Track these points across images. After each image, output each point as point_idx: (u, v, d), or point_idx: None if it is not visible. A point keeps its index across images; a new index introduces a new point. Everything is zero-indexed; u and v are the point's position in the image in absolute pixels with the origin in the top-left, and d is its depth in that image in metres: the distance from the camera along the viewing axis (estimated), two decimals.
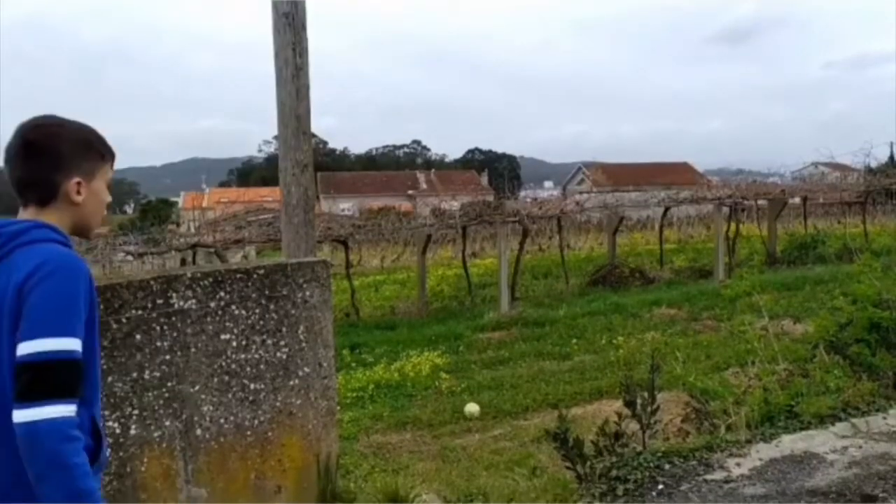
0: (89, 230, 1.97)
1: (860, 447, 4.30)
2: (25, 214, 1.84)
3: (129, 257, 13.20)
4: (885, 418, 4.72)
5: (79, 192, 1.86)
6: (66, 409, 1.63)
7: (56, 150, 1.83)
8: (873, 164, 26.27)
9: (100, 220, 1.98)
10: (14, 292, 1.67)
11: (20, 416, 1.60)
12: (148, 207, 62.42)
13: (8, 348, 1.67)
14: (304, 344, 3.65)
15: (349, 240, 17.37)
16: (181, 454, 3.21)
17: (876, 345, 5.92)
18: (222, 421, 3.35)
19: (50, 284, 1.67)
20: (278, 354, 3.55)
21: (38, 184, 1.83)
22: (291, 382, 3.60)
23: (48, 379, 1.62)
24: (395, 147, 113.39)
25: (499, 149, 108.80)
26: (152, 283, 3.17)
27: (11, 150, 1.83)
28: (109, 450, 2.02)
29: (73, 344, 1.66)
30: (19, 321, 1.66)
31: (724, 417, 5.05)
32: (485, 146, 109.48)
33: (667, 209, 22.28)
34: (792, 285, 15.88)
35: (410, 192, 65.93)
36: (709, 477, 3.98)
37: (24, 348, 1.63)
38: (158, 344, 3.16)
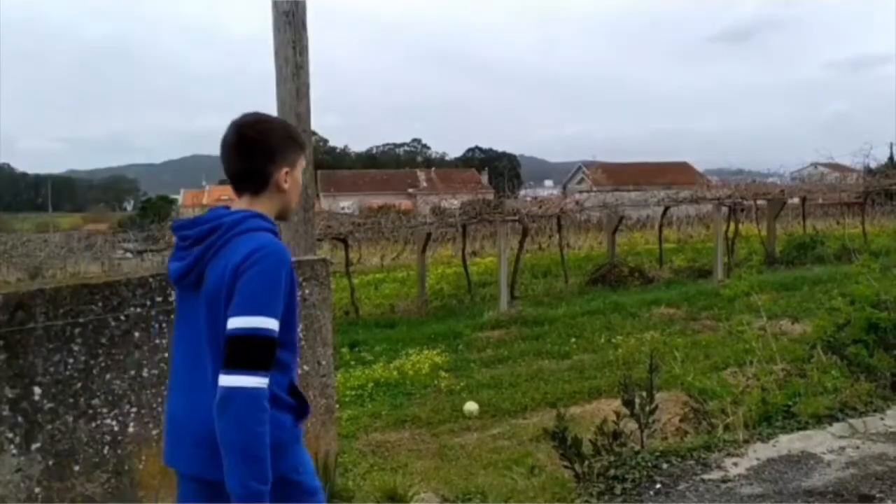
0: (290, 213, 2.25)
1: (857, 448, 4.31)
2: (241, 203, 2.10)
3: (129, 254, 13.20)
4: (882, 419, 4.73)
5: (286, 181, 2.11)
6: (258, 381, 1.89)
7: (269, 144, 2.08)
8: (873, 165, 26.29)
9: (297, 205, 2.28)
10: (231, 273, 1.94)
11: (223, 380, 1.88)
12: (148, 205, 62.46)
13: (223, 321, 1.93)
14: (302, 342, 3.65)
15: (349, 238, 17.37)
16: None
17: (874, 345, 5.93)
18: None
19: (258, 269, 1.92)
20: None
21: (254, 175, 2.09)
22: None
23: (246, 352, 1.89)
24: (396, 145, 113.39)
25: (499, 147, 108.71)
26: (151, 280, 3.17)
27: (228, 145, 2.09)
28: (311, 406, 2.32)
29: (271, 323, 1.91)
30: (226, 296, 1.94)
31: (721, 417, 5.05)
32: (485, 145, 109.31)
33: (666, 209, 22.29)
34: (790, 285, 15.89)
35: (410, 190, 65.93)
36: (706, 476, 3.99)
37: (231, 323, 1.90)
38: (157, 342, 3.17)
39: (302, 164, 2.23)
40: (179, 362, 2.15)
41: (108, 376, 3.06)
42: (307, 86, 4.11)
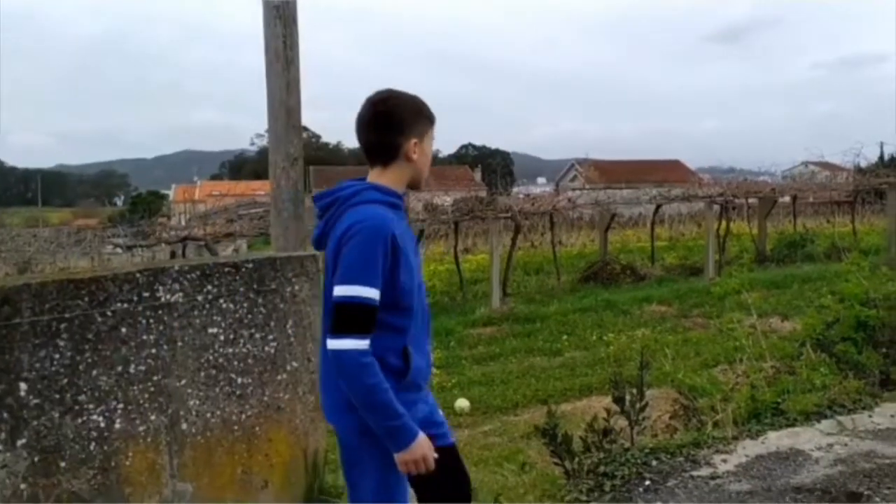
0: (421, 182, 2.36)
1: (846, 445, 4.32)
2: (373, 175, 2.27)
3: (119, 250, 13.13)
4: (870, 416, 4.74)
5: (415, 152, 2.25)
6: (358, 343, 2.08)
7: (400, 117, 2.23)
8: (863, 164, 26.37)
9: (427, 174, 2.35)
10: (336, 244, 2.14)
11: (329, 343, 2.12)
12: (138, 200, 62.15)
13: (331, 289, 2.14)
14: (292, 338, 3.64)
15: None
16: (167, 448, 3.20)
17: (862, 343, 5.95)
18: (209, 415, 3.34)
19: (355, 241, 2.09)
20: (266, 349, 3.54)
21: (386, 147, 2.24)
22: (279, 377, 3.59)
23: (345, 317, 2.09)
24: None
25: (492, 145, 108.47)
26: (138, 275, 3.15)
27: (363, 121, 2.26)
28: (431, 367, 2.47)
29: (367, 292, 2.08)
30: (333, 263, 2.14)
31: (711, 414, 5.06)
32: (478, 142, 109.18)
33: (658, 206, 22.32)
34: (781, 283, 15.95)
35: None
36: (695, 473, 4.00)
37: (335, 291, 2.11)
38: (144, 337, 3.14)
39: (431, 135, 2.33)
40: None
41: (94, 372, 3.03)
42: (297, 80, 4.09)
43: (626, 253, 22.54)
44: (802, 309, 10.83)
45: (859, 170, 25.75)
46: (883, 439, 4.38)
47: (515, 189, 43.01)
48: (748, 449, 4.30)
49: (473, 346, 12.40)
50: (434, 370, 10.93)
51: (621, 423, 4.27)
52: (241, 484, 3.44)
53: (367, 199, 2.19)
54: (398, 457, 2.16)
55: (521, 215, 17.36)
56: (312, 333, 3.69)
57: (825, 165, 29.83)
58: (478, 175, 69.53)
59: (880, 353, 5.89)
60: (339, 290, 2.10)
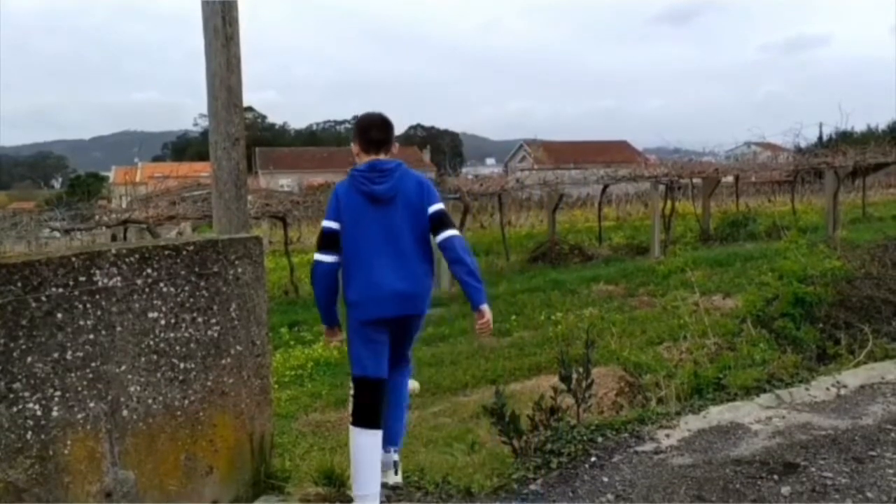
0: None
1: (783, 417, 4.46)
2: (383, 156, 3.64)
3: (56, 234, 12.73)
4: (807, 389, 4.89)
5: (394, 145, 3.73)
6: (458, 231, 3.65)
7: (392, 125, 3.72)
8: (803, 145, 27.14)
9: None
10: (417, 187, 3.59)
11: (445, 234, 3.56)
12: (76, 182, 60.22)
13: (424, 213, 3.58)
14: (236, 322, 3.57)
15: (288, 216, 17.10)
16: (107, 436, 3.11)
17: (800, 319, 6.14)
18: (150, 401, 3.26)
19: (429, 184, 3.65)
20: (209, 333, 3.47)
21: (388, 142, 3.66)
22: (223, 361, 3.52)
23: (447, 217, 3.62)
24: (337, 122, 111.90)
25: (441, 125, 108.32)
26: (74, 259, 3.04)
27: (379, 123, 3.69)
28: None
29: (444, 205, 3.70)
30: (423, 199, 3.56)
31: (655, 390, 5.17)
32: (427, 122, 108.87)
33: (606, 187, 22.60)
34: (723, 262, 16.34)
35: (351, 168, 65.19)
36: (639, 448, 4.07)
37: (434, 208, 3.57)
38: (81, 323, 3.05)
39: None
40: (379, 246, 3.49)
41: (29, 359, 2.93)
42: (238, 58, 3.99)
43: (574, 233, 22.81)
44: (744, 286, 11.13)
45: (799, 150, 26.49)
46: (819, 411, 4.53)
47: (464, 170, 42.98)
48: (690, 424, 4.40)
49: (422, 328, 12.40)
50: None
51: (568, 401, 4.32)
52: (185, 470, 3.38)
53: (406, 168, 3.65)
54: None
55: (470, 196, 17.38)
56: (256, 317, 3.63)
57: (767, 146, 30.58)
58: (426, 156, 69.37)
59: (817, 328, 6.09)
60: (438, 206, 3.58)
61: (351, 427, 3.57)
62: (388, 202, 3.49)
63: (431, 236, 3.56)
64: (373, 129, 3.61)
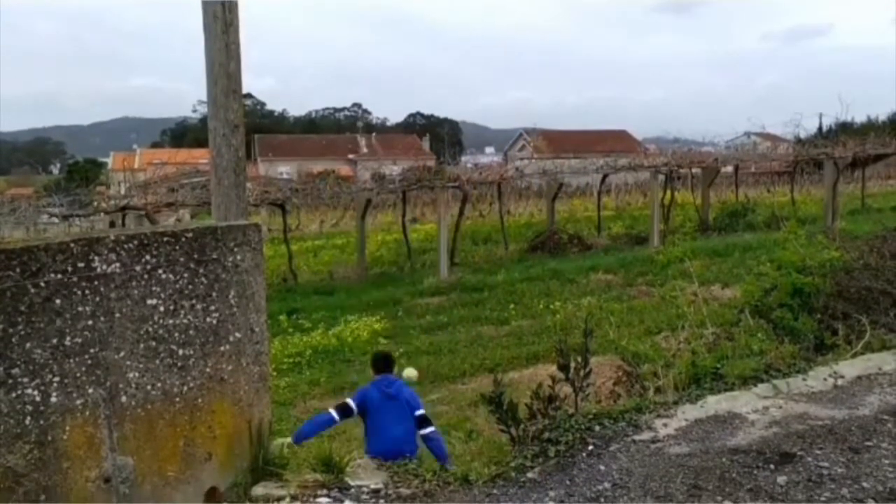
0: None
1: (780, 407, 4.47)
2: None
3: (55, 219, 12.71)
4: (804, 380, 4.90)
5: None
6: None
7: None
8: (802, 135, 27.10)
9: None
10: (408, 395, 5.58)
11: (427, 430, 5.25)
12: (75, 168, 60.11)
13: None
14: (235, 309, 3.57)
15: (287, 203, 17.09)
16: (105, 422, 3.12)
17: (798, 309, 6.14)
18: (149, 388, 3.26)
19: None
20: (208, 319, 3.47)
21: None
22: (222, 348, 3.52)
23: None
24: (336, 110, 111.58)
25: (441, 114, 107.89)
26: (72, 245, 3.04)
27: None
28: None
29: None
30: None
31: (653, 380, 5.18)
32: (427, 111, 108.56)
33: (605, 176, 22.58)
34: (722, 252, 16.36)
35: (351, 156, 65.14)
36: (637, 437, 4.08)
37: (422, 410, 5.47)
38: (80, 309, 3.04)
39: None
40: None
41: (28, 345, 2.93)
42: (237, 44, 3.96)
43: (573, 222, 22.80)
44: (743, 277, 11.15)
45: (799, 141, 26.45)
46: (816, 401, 4.54)
47: (464, 158, 42.92)
48: (688, 413, 4.41)
49: (421, 316, 12.44)
50: (382, 340, 11.06)
51: (566, 390, 4.32)
52: (183, 456, 3.38)
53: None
54: None
55: (470, 185, 17.37)
56: (255, 304, 3.63)
57: (766, 136, 30.55)
58: (426, 144, 69.22)
59: (815, 319, 6.09)
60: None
61: None
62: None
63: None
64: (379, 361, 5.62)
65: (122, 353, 3.18)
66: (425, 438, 5.38)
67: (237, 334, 3.58)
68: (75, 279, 3.04)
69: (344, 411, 5.31)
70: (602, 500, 3.37)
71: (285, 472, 3.67)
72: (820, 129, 37.98)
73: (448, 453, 5.31)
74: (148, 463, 3.27)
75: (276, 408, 5.28)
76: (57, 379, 3.01)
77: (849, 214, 21.98)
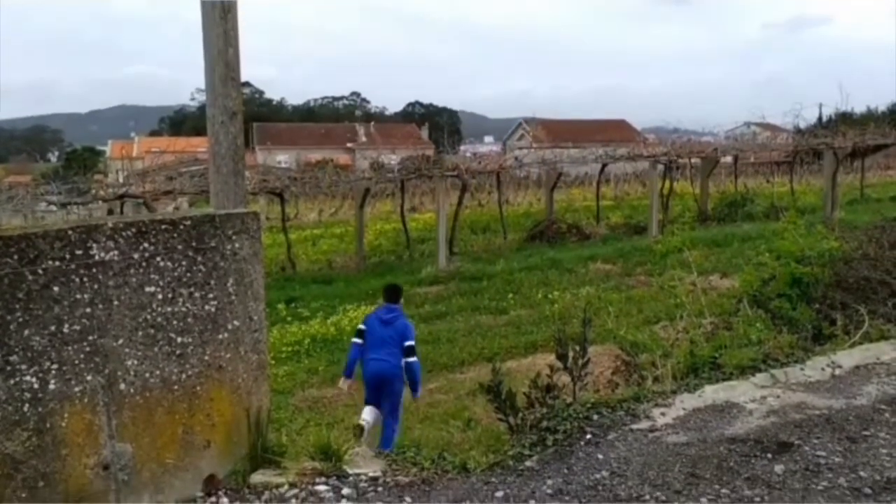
0: None
1: (778, 397, 4.48)
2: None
3: (53, 207, 12.69)
4: (802, 369, 4.91)
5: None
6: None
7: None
8: (802, 125, 27.04)
9: None
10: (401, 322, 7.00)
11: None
12: (73, 156, 59.95)
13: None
14: (233, 297, 3.56)
15: (285, 192, 17.06)
16: (104, 409, 3.12)
17: (797, 299, 6.15)
18: (148, 375, 3.26)
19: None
20: (206, 307, 3.46)
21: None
22: (220, 336, 3.52)
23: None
24: (335, 98, 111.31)
25: (440, 103, 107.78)
26: (70, 232, 3.02)
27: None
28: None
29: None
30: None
31: (651, 369, 5.19)
32: (425, 100, 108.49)
33: (604, 166, 22.54)
34: (721, 242, 16.37)
35: (349, 144, 65.03)
36: (635, 426, 4.09)
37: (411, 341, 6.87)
38: (78, 296, 3.04)
39: None
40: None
41: (26, 332, 2.92)
42: (236, 31, 3.94)
43: (571, 212, 22.79)
44: (741, 267, 11.16)
45: (798, 131, 26.40)
46: (813, 391, 4.55)
47: (462, 148, 42.83)
48: (686, 402, 4.42)
49: (420, 305, 12.43)
50: None
51: (564, 379, 4.33)
52: (182, 444, 3.39)
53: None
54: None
55: (468, 174, 17.34)
56: (254, 292, 3.62)
57: (766, 126, 30.50)
58: (425, 133, 69.08)
59: (813, 308, 6.10)
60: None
61: None
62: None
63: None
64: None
65: (120, 341, 3.17)
66: (406, 365, 6.36)
67: (235, 322, 3.57)
68: (73, 266, 3.03)
69: (360, 335, 6.66)
70: (600, 488, 3.37)
71: (283, 460, 3.67)
72: (820, 119, 37.92)
73: (419, 381, 6.60)
74: (147, 450, 3.27)
75: (274, 396, 5.29)
76: (55, 366, 3.00)
77: (848, 205, 21.98)
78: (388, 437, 6.14)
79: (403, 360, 6.27)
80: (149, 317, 3.26)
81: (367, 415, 6.50)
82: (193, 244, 3.40)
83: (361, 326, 6.66)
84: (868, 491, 3.28)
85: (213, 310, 3.48)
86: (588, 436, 3.96)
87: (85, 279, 3.06)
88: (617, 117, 72.27)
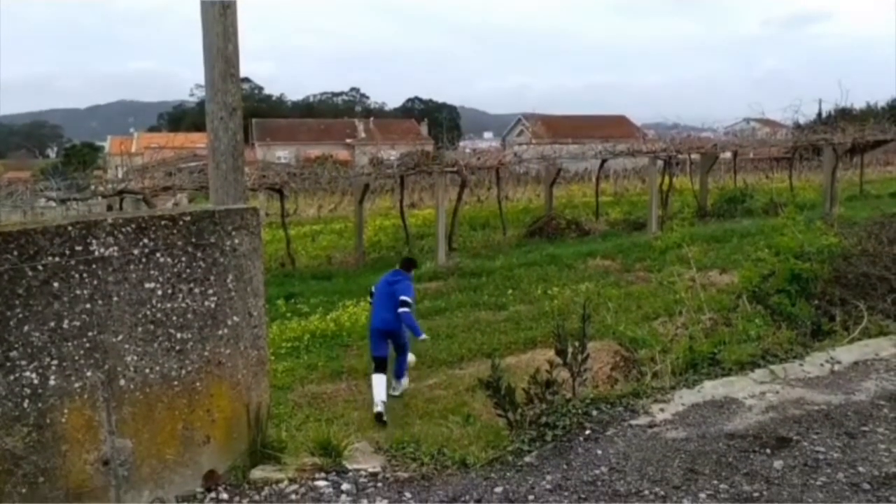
0: None
1: (777, 392, 4.48)
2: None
3: (52, 203, 12.68)
4: (801, 365, 4.92)
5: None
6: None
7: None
8: (802, 121, 27.02)
9: None
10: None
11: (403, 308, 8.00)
12: (72, 152, 59.91)
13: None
14: (233, 293, 3.56)
15: (285, 188, 17.05)
16: (104, 405, 3.12)
17: (796, 295, 6.16)
18: (147, 371, 3.26)
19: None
20: (206, 303, 3.46)
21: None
22: (220, 332, 3.52)
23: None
24: (334, 94, 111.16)
25: (439, 98, 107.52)
26: (70, 228, 3.03)
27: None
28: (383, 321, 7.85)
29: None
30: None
31: (650, 365, 5.20)
32: (425, 95, 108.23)
33: (603, 162, 22.53)
34: (720, 238, 16.37)
35: (349, 140, 64.95)
36: (634, 422, 4.10)
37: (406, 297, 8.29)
38: (78, 292, 3.04)
39: None
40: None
41: (26, 328, 2.93)
42: (235, 26, 3.93)
43: (571, 208, 22.78)
44: (740, 262, 11.17)
45: (798, 127, 26.38)
46: (812, 387, 4.56)
47: (462, 143, 42.81)
48: (685, 398, 4.43)
49: (419, 301, 12.41)
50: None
51: (564, 374, 4.34)
52: (182, 439, 3.39)
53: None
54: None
55: (468, 170, 17.33)
56: (253, 288, 3.62)
57: (766, 122, 30.47)
58: (424, 129, 69.03)
59: (812, 304, 6.11)
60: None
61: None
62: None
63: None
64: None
65: (120, 337, 3.18)
66: (399, 316, 7.43)
67: (235, 318, 3.57)
68: (73, 262, 3.04)
69: (371, 295, 8.19)
70: (599, 483, 3.38)
71: (283, 456, 3.68)
72: (819, 115, 37.89)
73: (415, 325, 7.68)
74: (146, 446, 3.28)
75: (274, 392, 5.29)
76: (55, 362, 3.01)
77: (847, 200, 21.99)
78: (401, 367, 8.00)
79: (397, 312, 7.31)
80: (148, 313, 3.26)
81: (378, 394, 7.27)
82: (193, 240, 3.40)
83: (372, 289, 8.06)
84: (866, 486, 3.29)
85: (212, 306, 3.48)
86: (587, 431, 3.97)
87: (85, 275, 3.06)
88: (616, 113, 72.24)
